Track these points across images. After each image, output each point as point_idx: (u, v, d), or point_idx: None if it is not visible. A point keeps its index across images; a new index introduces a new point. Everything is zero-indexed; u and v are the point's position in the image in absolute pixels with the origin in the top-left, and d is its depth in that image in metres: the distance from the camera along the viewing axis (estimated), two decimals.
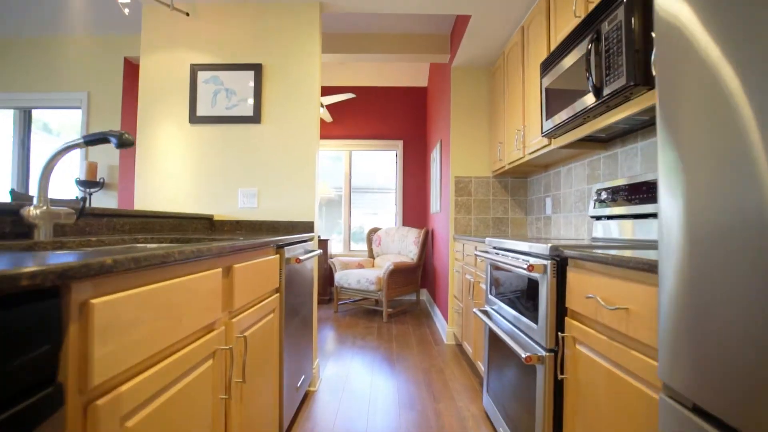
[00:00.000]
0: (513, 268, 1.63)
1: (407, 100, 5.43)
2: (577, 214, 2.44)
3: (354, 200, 5.78)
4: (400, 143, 5.41)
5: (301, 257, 1.79)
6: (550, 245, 1.29)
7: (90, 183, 3.47)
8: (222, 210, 2.43)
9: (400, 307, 4.42)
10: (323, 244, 4.97)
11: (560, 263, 1.28)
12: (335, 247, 5.55)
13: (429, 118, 5.09)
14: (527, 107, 2.44)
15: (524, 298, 1.50)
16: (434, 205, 4.31)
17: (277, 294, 1.64)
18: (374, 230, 5.12)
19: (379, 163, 5.67)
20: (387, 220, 5.61)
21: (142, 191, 2.47)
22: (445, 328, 3.41)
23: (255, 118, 2.43)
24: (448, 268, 3.41)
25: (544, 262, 1.31)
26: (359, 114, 5.46)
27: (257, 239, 1.40)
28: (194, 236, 1.67)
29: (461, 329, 2.96)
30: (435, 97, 4.51)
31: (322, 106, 4.45)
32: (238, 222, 2.42)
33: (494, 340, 1.93)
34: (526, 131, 2.46)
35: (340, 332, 3.68)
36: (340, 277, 4.36)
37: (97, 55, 3.63)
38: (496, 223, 3.35)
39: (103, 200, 3.64)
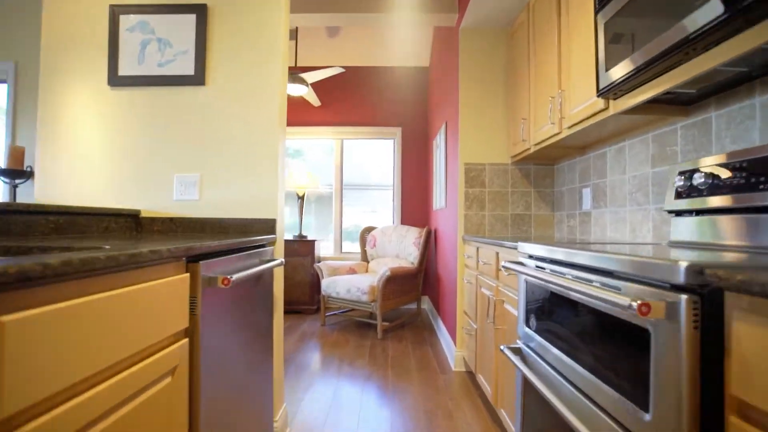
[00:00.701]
0: (581, 296, 0.99)
1: (407, 82, 4.78)
2: (635, 208, 1.80)
3: (351, 197, 5.14)
4: (398, 131, 4.76)
5: (235, 275, 1.15)
6: (686, 264, 0.65)
7: (14, 172, 2.83)
8: (153, 203, 1.79)
9: (397, 320, 3.79)
10: (309, 245, 4.33)
11: (710, 300, 0.64)
12: (325, 249, 4.91)
13: (432, 102, 4.44)
14: (569, 64, 1.79)
15: (608, 350, 0.86)
16: (438, 200, 3.67)
17: (186, 339, 1.00)
18: (368, 229, 4.48)
19: (376, 155, 5.02)
20: (387, 219, 4.97)
21: (44, 180, 1.82)
22: (453, 351, 2.77)
23: (197, 79, 1.79)
24: (455, 276, 2.77)
25: (671, 296, 0.67)
26: (352, 98, 4.81)
27: (142, 248, 0.76)
28: (86, 245, 1.04)
29: (474, 357, 2.32)
30: (439, 75, 3.86)
31: (306, 85, 3.81)
32: (172, 219, 1.78)
33: (535, 396, 1.29)
34: (566, 97, 1.81)
35: (325, 353, 3.04)
36: (327, 285, 3.72)
37: (23, 19, 2.98)
38: (516, 221, 2.71)
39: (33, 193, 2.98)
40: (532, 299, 1.31)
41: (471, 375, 2.61)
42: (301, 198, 4.53)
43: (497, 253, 1.90)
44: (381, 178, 4.98)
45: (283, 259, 1.64)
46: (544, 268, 1.20)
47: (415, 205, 4.73)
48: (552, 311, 1.15)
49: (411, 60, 4.73)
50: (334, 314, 4.02)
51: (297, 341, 3.33)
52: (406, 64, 4.77)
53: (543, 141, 2.11)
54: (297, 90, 3.82)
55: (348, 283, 3.57)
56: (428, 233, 3.90)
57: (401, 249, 4.09)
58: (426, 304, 4.63)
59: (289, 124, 4.83)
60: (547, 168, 2.70)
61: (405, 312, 4.39)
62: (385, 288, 3.42)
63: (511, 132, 2.60)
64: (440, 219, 3.64)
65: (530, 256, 1.39)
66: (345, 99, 4.80)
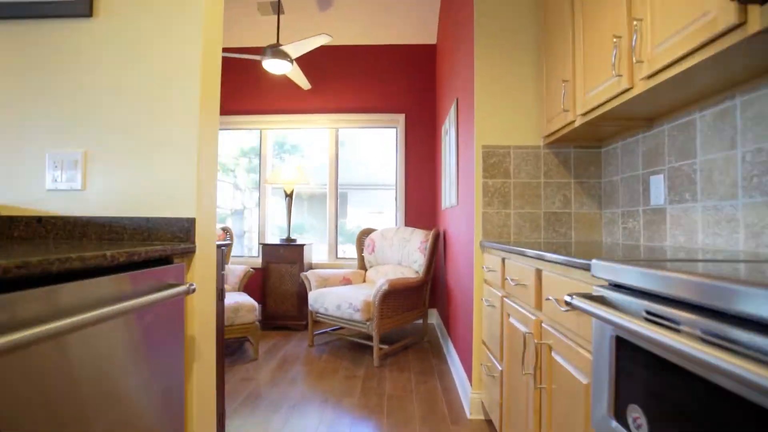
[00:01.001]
0: None
1: (411, 62, 4.15)
2: (756, 201, 1.15)
3: (355, 197, 4.54)
4: (401, 118, 4.13)
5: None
6: None
7: None
8: (13, 194, 1.18)
9: (399, 342, 3.16)
10: (298, 251, 3.72)
11: None
12: (319, 255, 4.30)
13: (440, 82, 3.80)
14: None
15: None
16: (447, 197, 3.04)
17: None
18: (366, 232, 3.85)
19: (378, 148, 4.40)
20: (391, 221, 4.35)
21: None
22: (468, 391, 2.13)
23: (81, 7, 1.18)
24: (471, 293, 2.13)
25: None
26: (347, 81, 4.19)
27: None
28: None
29: (499, 407, 1.68)
30: (448, 48, 3.22)
31: (290, 61, 3.21)
32: (41, 220, 1.17)
33: None
34: (646, 29, 1.17)
35: (308, 385, 2.42)
36: (315, 299, 3.10)
37: None
38: (550, 222, 2.06)
39: None
40: (629, 370, 0.68)
41: (491, 426, 1.97)
42: (289, 196, 3.92)
43: (538, 272, 1.26)
44: (387, 176, 4.35)
45: (194, 285, 1.02)
46: (661, 318, 0.56)
47: (420, 204, 4.09)
48: (691, 411, 0.51)
49: (415, 37, 4.10)
50: (325, 332, 3.40)
51: (275, 369, 2.72)
52: (409, 41, 4.14)
53: (599, 107, 1.46)
54: (279, 67, 3.22)
55: (338, 298, 2.94)
56: (436, 236, 3.27)
57: (404, 255, 3.45)
58: (434, 318, 4.00)
59: (276, 111, 4.24)
60: (591, 152, 2.05)
61: (408, 331, 3.75)
62: (382, 304, 2.79)
63: (546, 102, 1.95)
64: (451, 219, 3.01)
65: (617, 286, 0.75)
66: (340, 82, 4.19)
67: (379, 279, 3.24)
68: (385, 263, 3.60)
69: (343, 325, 2.97)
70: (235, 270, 3.52)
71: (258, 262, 4.11)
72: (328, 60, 4.18)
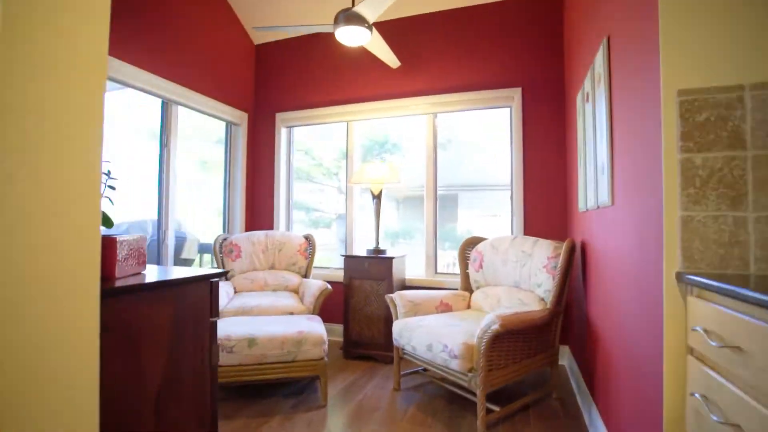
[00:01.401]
0: None
1: (526, 19, 3.17)
2: None
3: (465, 198, 3.75)
4: (516, 93, 3.17)
5: None
6: None
7: None
8: None
9: (516, 399, 2.24)
10: (386, 264, 3.04)
11: None
12: (415, 269, 3.56)
13: (571, 34, 2.75)
14: None
15: None
16: (588, 193, 2.02)
17: None
18: (472, 242, 2.98)
19: (491, 136, 3.51)
20: (507, 226, 3.42)
21: None
22: None
23: None
24: (656, 366, 1.16)
25: None
26: (445, 53, 3.38)
27: None
28: None
29: None
30: None
31: (368, 27, 2.55)
32: None
33: None
34: None
35: None
36: (400, 332, 2.36)
37: None
38: None
39: None
40: None
41: None
42: (377, 197, 3.27)
43: None
44: (500, 171, 3.43)
45: None
46: None
47: (545, 205, 3.07)
48: None
49: None
50: (417, 372, 2.64)
51: (344, 426, 2.05)
52: None
53: None
54: (356, 36, 2.58)
55: (430, 335, 2.16)
56: (570, 250, 2.26)
57: (524, 274, 2.51)
58: (566, 359, 2.93)
59: (362, 98, 3.64)
60: None
61: (529, 382, 2.77)
62: (491, 351, 1.92)
63: None
64: (596, 226, 1.99)
65: None
66: (435, 57, 3.40)
67: (488, 314, 2.36)
68: (497, 284, 2.69)
69: (437, 370, 2.17)
70: (311, 286, 2.98)
71: (342, 275, 3.54)
72: (418, 31, 3.44)
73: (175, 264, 3.49)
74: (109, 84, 3.20)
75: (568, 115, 2.90)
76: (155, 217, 3.67)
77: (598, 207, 1.87)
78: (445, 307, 2.66)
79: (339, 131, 3.91)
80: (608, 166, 1.65)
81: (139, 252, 1.07)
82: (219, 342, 2.15)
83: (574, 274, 2.68)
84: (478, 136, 3.54)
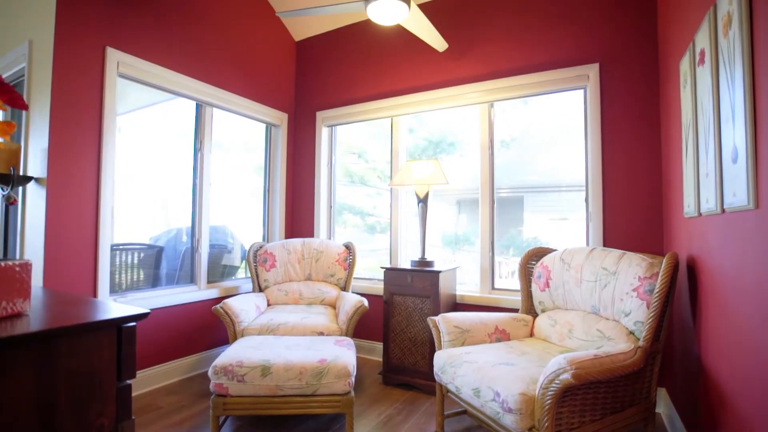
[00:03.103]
0: None
1: None
2: None
3: (531, 201, 3.24)
4: (592, 70, 2.58)
5: None
6: None
7: (3, 178, 2.08)
8: None
9: None
10: (431, 278, 2.61)
11: None
12: (468, 284, 3.08)
13: None
14: None
15: None
16: (700, 193, 1.44)
17: None
18: (536, 254, 2.44)
19: (559, 129, 2.94)
20: (581, 233, 2.83)
21: None
22: None
23: None
24: None
25: None
26: (501, 30, 2.88)
27: None
28: None
29: None
30: None
31: (406, 1, 2.15)
32: None
33: None
34: None
35: None
36: (443, 367, 1.91)
37: None
38: None
39: (32, 207, 2.23)
40: None
41: None
42: (423, 200, 2.85)
43: None
44: (570, 172, 2.85)
45: None
46: None
47: (631, 209, 2.44)
48: None
49: None
50: (463, 412, 2.17)
51: None
52: None
53: None
54: (391, 12, 2.20)
55: (477, 376, 1.69)
56: (673, 269, 1.67)
57: (605, 298, 1.94)
58: (661, 406, 2.27)
59: (406, 90, 3.24)
60: None
61: None
62: (560, 407, 1.41)
63: None
64: (716, 236, 1.40)
65: None
66: (489, 36, 2.91)
67: (554, 346, 1.83)
68: (569, 308, 2.14)
69: (486, 419, 1.70)
70: (346, 302, 2.63)
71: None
72: (468, 5, 2.97)
73: (217, 272, 3.34)
74: (160, 95, 3.10)
75: (664, 90, 2.27)
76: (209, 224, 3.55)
77: (724, 210, 1.29)
78: (500, 335, 2.16)
79: (380, 126, 3.55)
80: (747, 151, 1.09)
81: (12, 285, 0.72)
82: (230, 368, 1.86)
83: (678, 300, 2.05)
84: (545, 128, 2.97)
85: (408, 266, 2.77)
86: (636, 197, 2.42)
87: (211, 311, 3.01)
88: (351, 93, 3.52)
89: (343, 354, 2.00)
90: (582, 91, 2.67)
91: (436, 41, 2.68)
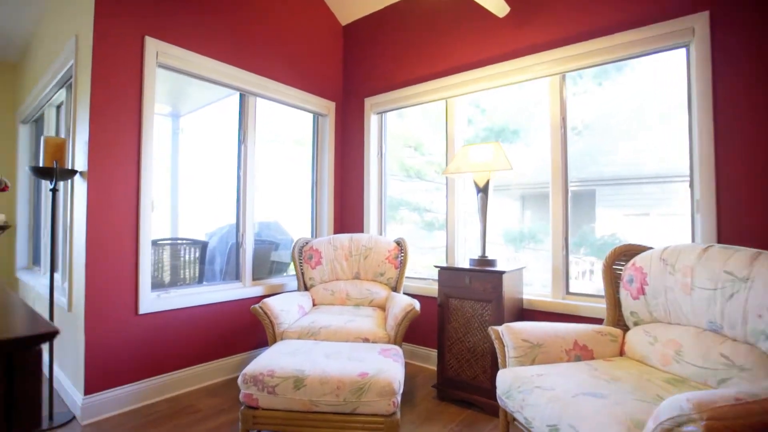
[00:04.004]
0: None
1: None
2: None
3: (605, 195, 2.78)
4: (698, 21, 2.05)
5: None
6: None
7: (46, 171, 2.06)
8: None
9: None
10: (493, 280, 2.24)
11: None
12: (534, 285, 2.66)
13: None
14: None
15: None
16: None
17: None
18: (625, 253, 1.98)
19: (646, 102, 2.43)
20: (676, 229, 2.31)
21: None
22: None
23: None
24: None
25: None
26: None
27: None
28: None
29: None
30: None
31: None
32: None
33: None
34: None
35: None
36: (509, 389, 1.55)
37: None
38: None
39: (78, 201, 2.20)
40: None
41: None
42: (483, 190, 2.48)
43: None
44: (652, 161, 2.34)
45: None
46: None
47: (759, 197, 1.89)
48: None
49: None
50: None
51: None
52: None
53: None
54: None
55: (555, 407, 1.32)
56: None
57: (732, 313, 1.46)
58: None
59: (462, 67, 2.87)
60: None
61: None
62: None
63: None
64: None
65: None
66: None
67: (669, 393, 1.41)
68: (674, 322, 1.67)
69: None
70: (396, 305, 2.35)
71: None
72: None
73: (265, 269, 3.22)
74: (218, 93, 3.09)
75: None
76: (269, 219, 3.50)
77: None
78: (581, 353, 1.75)
79: (435, 110, 3.21)
80: None
81: None
82: (260, 377, 1.66)
83: None
84: (624, 111, 2.46)
85: (466, 265, 2.42)
86: (764, 182, 1.87)
87: None
88: (401, 75, 3.22)
89: (388, 367, 1.72)
90: (684, 50, 2.14)
91: (496, 3, 2.30)
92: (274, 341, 2.25)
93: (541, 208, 2.75)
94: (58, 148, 2.09)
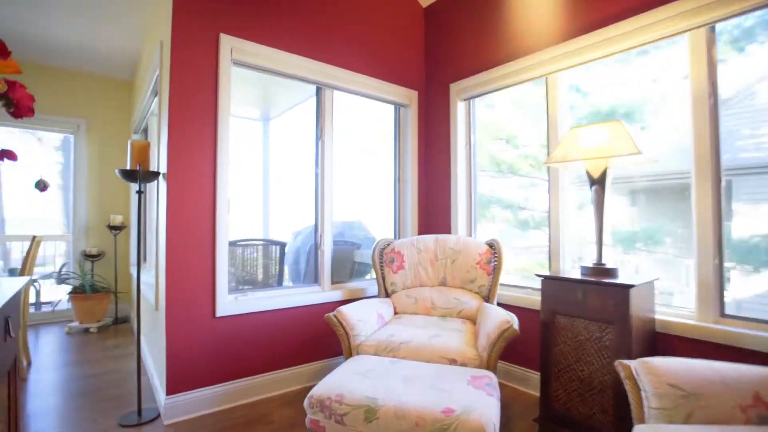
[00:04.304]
0: None
1: None
2: None
3: (746, 187, 2.13)
4: None
5: None
6: None
7: (130, 174, 2.09)
8: None
9: None
10: (616, 295, 1.76)
11: None
12: (675, 303, 2.09)
13: None
14: None
15: None
16: None
17: None
18: None
19: None
20: None
21: None
22: None
23: None
24: None
25: None
26: None
27: None
28: None
29: None
30: None
31: None
32: None
33: None
34: None
35: None
36: None
37: None
38: None
39: (162, 203, 2.20)
40: None
41: None
42: (598, 182, 1.99)
43: None
44: None
45: None
46: None
47: None
48: None
49: None
50: None
51: None
52: None
53: None
54: None
55: None
56: None
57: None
58: None
59: (564, 35, 2.37)
60: None
61: None
62: None
63: None
64: None
65: None
66: None
67: None
68: None
69: None
70: (488, 320, 1.99)
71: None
72: None
73: (346, 272, 3.08)
74: (303, 92, 3.09)
75: None
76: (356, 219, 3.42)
77: None
78: (765, 410, 1.22)
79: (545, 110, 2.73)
80: None
81: None
82: (327, 402, 1.44)
83: None
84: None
85: (576, 274, 1.96)
86: None
87: None
88: (490, 54, 2.81)
89: (481, 403, 1.38)
90: None
91: None
92: (350, 355, 2.03)
93: (656, 204, 2.15)
94: (142, 151, 2.12)
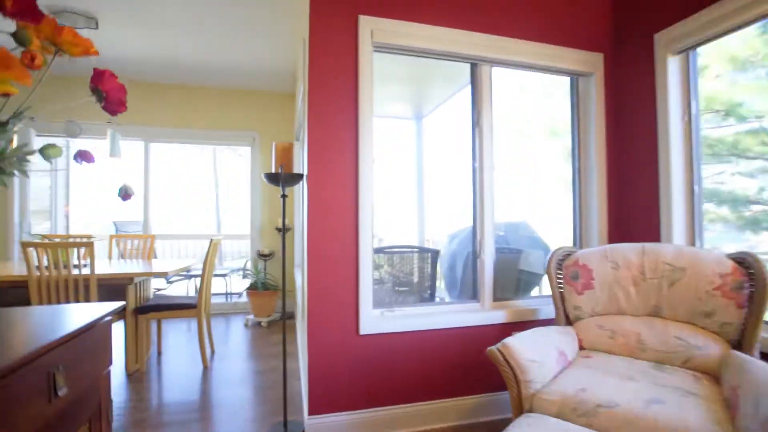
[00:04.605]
0: None
1: None
2: None
3: None
4: None
5: None
6: None
7: (274, 177, 1.98)
8: None
9: None
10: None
11: None
12: None
13: None
14: None
15: None
16: None
17: None
18: None
19: None
20: None
21: None
22: None
23: None
24: None
25: None
26: None
27: None
28: None
29: None
30: None
31: None
32: None
33: None
34: None
35: None
36: None
37: None
38: None
39: (304, 205, 2.04)
40: None
41: None
42: None
43: None
44: None
45: None
46: None
47: None
48: None
49: None
50: None
51: None
52: None
53: None
54: None
55: None
56: None
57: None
58: None
59: None
60: None
61: None
62: None
63: None
64: None
65: None
66: None
67: None
68: None
69: None
70: (750, 382, 1.20)
71: None
72: None
73: (510, 285, 2.54)
74: (453, 84, 2.80)
75: None
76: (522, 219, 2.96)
77: None
78: None
79: None
80: None
81: None
82: None
83: None
84: None
85: None
86: None
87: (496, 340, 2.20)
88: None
89: None
90: None
91: None
92: (519, 408, 1.50)
93: None
94: (285, 153, 2.00)
